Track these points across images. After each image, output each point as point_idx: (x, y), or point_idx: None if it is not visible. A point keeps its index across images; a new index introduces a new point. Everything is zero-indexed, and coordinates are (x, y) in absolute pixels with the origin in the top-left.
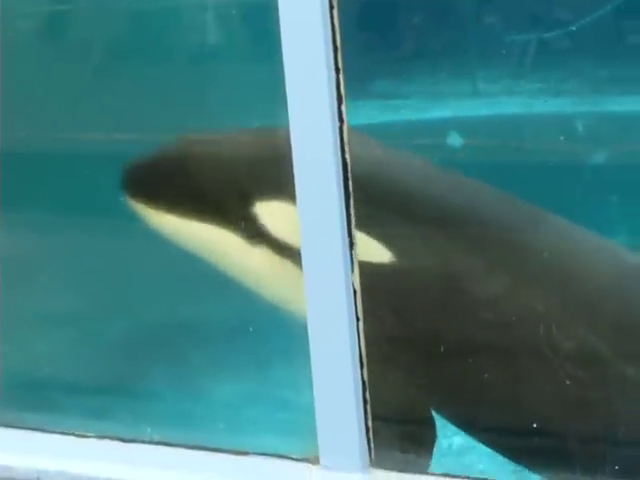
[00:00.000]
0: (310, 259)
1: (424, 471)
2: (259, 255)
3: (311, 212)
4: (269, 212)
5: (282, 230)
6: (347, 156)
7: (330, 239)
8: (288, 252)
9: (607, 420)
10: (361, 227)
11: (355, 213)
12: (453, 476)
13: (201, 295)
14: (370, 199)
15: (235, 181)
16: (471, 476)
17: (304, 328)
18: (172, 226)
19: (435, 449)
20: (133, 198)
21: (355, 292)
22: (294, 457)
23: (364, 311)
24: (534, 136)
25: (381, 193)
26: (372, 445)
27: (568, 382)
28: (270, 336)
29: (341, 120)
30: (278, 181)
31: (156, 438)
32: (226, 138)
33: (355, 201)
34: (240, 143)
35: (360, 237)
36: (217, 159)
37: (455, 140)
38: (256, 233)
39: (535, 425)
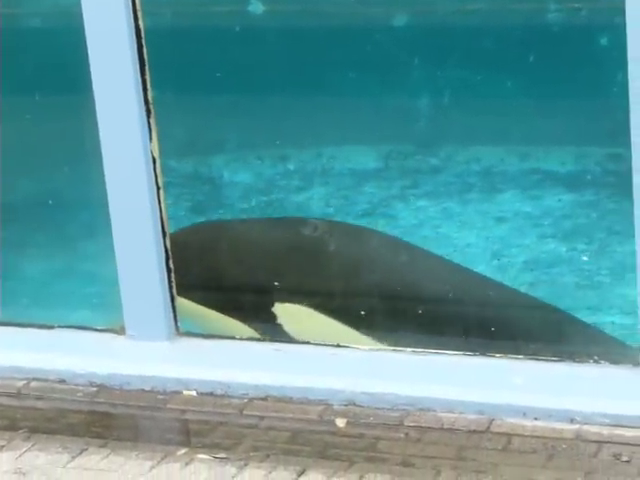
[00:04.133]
0: (107, 129)
1: (228, 337)
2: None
3: (105, 82)
4: (288, 313)
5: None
6: (140, 22)
7: (126, 108)
8: None
9: None
10: None
11: None
12: (261, 340)
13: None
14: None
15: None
16: (285, 340)
17: (107, 201)
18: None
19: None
20: None
21: (155, 160)
22: (99, 328)
23: None
24: (332, 0)
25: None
26: (177, 313)
27: None
28: (73, 211)
29: None
30: (300, 281)
31: None
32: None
33: None
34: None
35: None
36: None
37: (256, 7)
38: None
39: None
